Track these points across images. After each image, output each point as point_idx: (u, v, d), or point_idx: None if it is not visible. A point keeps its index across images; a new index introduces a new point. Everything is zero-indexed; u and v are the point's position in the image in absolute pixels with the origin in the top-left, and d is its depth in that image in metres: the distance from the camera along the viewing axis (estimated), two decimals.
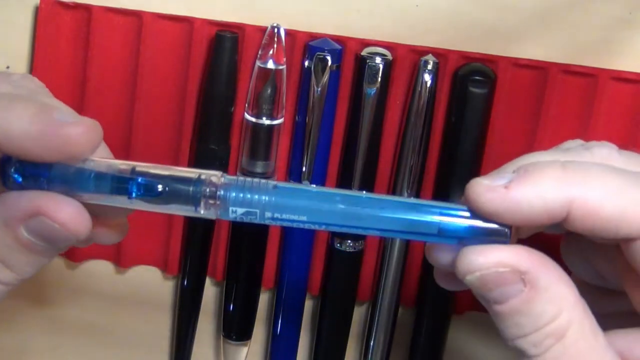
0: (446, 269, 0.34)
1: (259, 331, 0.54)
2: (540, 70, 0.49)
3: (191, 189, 0.33)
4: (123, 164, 0.33)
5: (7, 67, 0.49)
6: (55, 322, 0.54)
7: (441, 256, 0.34)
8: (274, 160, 0.49)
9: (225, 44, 0.47)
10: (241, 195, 0.33)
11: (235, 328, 0.52)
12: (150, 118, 0.49)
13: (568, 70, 0.49)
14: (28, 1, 0.48)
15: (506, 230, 0.32)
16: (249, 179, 0.33)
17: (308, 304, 0.53)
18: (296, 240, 0.51)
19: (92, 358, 0.55)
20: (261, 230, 0.51)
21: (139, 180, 0.33)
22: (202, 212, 0.33)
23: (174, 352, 0.53)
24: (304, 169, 0.49)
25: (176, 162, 0.50)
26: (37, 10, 0.47)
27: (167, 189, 0.33)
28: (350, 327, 0.53)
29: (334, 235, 0.51)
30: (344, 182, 0.50)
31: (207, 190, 0.33)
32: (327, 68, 0.48)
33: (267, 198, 0.33)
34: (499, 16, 0.49)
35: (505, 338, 0.32)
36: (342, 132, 0.50)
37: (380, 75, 0.48)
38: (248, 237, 0.51)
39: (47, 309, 0.54)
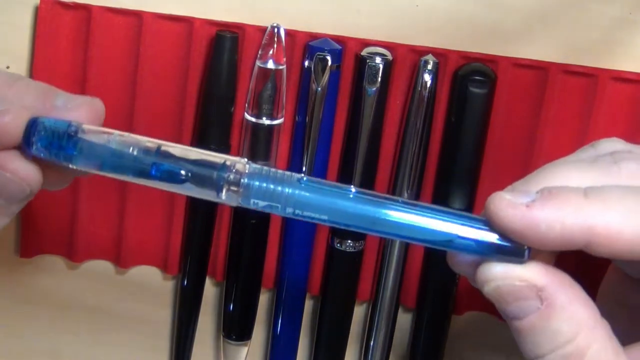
0: (465, 274, 0.34)
1: (259, 331, 0.54)
2: (540, 70, 0.49)
3: (215, 174, 0.33)
4: (149, 142, 0.34)
5: (7, 67, 0.49)
6: (55, 322, 0.54)
7: (460, 262, 0.34)
8: (274, 160, 0.49)
9: (225, 44, 0.47)
10: (264, 185, 0.33)
11: (235, 328, 0.52)
12: (150, 118, 0.49)
13: (568, 70, 0.49)
14: (28, 1, 0.48)
15: (525, 249, 0.31)
16: (273, 169, 0.33)
17: (308, 304, 0.53)
18: (296, 240, 0.51)
19: (92, 358, 0.55)
20: (261, 230, 0.51)
21: (163, 165, 0.33)
22: (223, 197, 0.33)
23: (174, 352, 0.53)
24: (304, 169, 0.49)
25: None
26: (37, 10, 0.47)
27: (190, 174, 0.33)
28: (350, 327, 0.53)
29: (334, 235, 0.51)
30: (343, 182, 0.50)
31: (231, 176, 0.33)
32: (327, 68, 0.48)
33: (290, 191, 0.32)
34: (499, 16, 0.49)
35: (526, 357, 0.32)
36: (342, 132, 0.50)
37: (380, 75, 0.48)
38: (248, 237, 0.51)
39: (47, 309, 0.54)
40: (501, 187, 0.51)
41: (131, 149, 0.34)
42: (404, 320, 0.54)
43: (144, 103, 0.49)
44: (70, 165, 0.34)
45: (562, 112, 0.49)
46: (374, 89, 0.48)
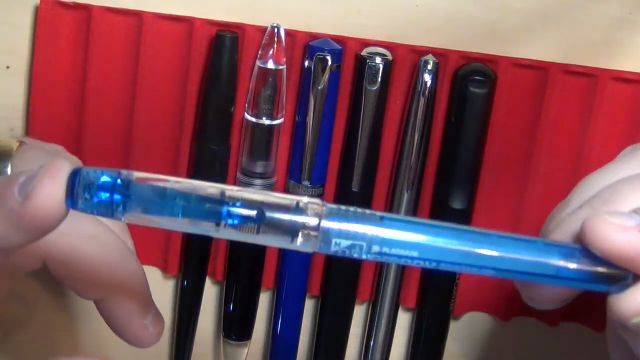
0: (545, 301, 0.32)
1: (259, 331, 0.54)
2: (540, 70, 0.49)
3: (289, 218, 0.29)
4: (210, 187, 0.29)
5: (7, 67, 0.49)
6: (54, 321, 0.54)
7: (550, 293, 0.32)
8: (274, 160, 0.49)
9: (225, 44, 0.47)
10: (345, 226, 0.29)
11: (235, 328, 0.52)
12: (150, 118, 0.49)
13: (568, 70, 0.49)
14: (28, 1, 0.48)
15: (630, 275, 0.30)
16: (352, 208, 0.30)
17: (308, 304, 0.53)
18: None
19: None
20: None
21: (235, 204, 0.29)
22: (298, 244, 0.29)
23: (174, 352, 0.53)
24: (304, 169, 0.49)
25: (176, 162, 0.50)
26: (37, 10, 0.47)
27: (264, 216, 0.29)
28: (350, 327, 0.53)
29: None
30: (343, 182, 0.50)
31: (308, 221, 0.29)
32: (327, 68, 0.48)
33: (374, 230, 0.29)
34: (499, 16, 0.49)
35: None
36: (342, 132, 0.50)
37: (380, 75, 0.48)
38: None
39: (46, 308, 0.54)
40: (501, 187, 0.51)
41: (193, 191, 0.29)
42: (404, 320, 0.54)
43: (144, 103, 0.49)
44: (122, 219, 0.29)
45: (562, 112, 0.49)
46: (374, 89, 0.48)
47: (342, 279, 0.52)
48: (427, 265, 0.30)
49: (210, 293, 0.54)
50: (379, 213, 0.30)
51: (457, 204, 0.49)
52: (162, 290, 0.54)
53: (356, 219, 0.29)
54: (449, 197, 0.49)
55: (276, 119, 0.48)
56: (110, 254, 0.37)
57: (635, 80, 0.49)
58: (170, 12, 0.48)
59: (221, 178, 0.49)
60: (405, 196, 0.50)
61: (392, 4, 0.48)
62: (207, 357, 0.55)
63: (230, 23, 0.48)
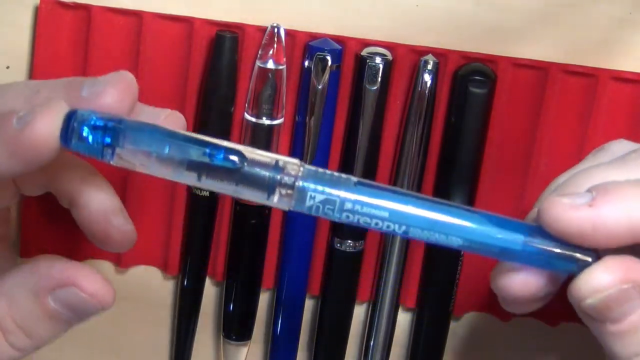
0: (515, 295, 0.33)
1: (259, 331, 0.54)
2: (540, 70, 0.49)
3: (267, 174, 0.31)
4: (197, 136, 0.31)
5: (7, 67, 0.49)
6: None
7: (510, 282, 0.32)
8: None
9: (225, 44, 0.47)
10: (319, 187, 0.31)
11: (235, 328, 0.52)
12: None
13: (568, 70, 0.49)
14: (28, 1, 0.48)
15: (594, 252, 0.31)
16: (329, 171, 0.31)
17: (308, 304, 0.53)
18: (296, 240, 0.51)
19: (91, 358, 0.55)
20: (261, 230, 0.51)
21: (220, 148, 0.31)
22: (275, 200, 0.31)
23: (174, 352, 0.53)
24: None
25: None
26: (37, 10, 0.47)
27: (245, 165, 0.31)
28: (350, 327, 0.53)
29: (334, 235, 0.51)
30: None
31: (285, 178, 0.31)
32: (327, 68, 0.48)
33: (348, 192, 0.31)
34: (499, 16, 0.49)
35: (619, 357, 0.31)
36: (342, 132, 0.50)
37: (380, 75, 0.48)
38: (248, 237, 0.51)
39: None
40: (501, 187, 0.51)
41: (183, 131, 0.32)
42: (404, 320, 0.54)
43: (144, 103, 0.49)
44: (111, 162, 0.31)
45: (562, 112, 0.50)
46: (374, 89, 0.48)
47: (342, 279, 0.52)
48: (397, 230, 0.31)
49: (210, 293, 0.54)
50: (354, 178, 0.31)
51: (457, 203, 0.49)
52: (162, 290, 0.54)
53: (331, 182, 0.31)
54: (449, 197, 0.49)
55: (276, 119, 0.48)
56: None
57: (635, 80, 0.49)
58: (170, 12, 0.48)
59: None
60: None
61: (392, 4, 0.48)
62: (207, 357, 0.55)
63: (230, 23, 0.48)
